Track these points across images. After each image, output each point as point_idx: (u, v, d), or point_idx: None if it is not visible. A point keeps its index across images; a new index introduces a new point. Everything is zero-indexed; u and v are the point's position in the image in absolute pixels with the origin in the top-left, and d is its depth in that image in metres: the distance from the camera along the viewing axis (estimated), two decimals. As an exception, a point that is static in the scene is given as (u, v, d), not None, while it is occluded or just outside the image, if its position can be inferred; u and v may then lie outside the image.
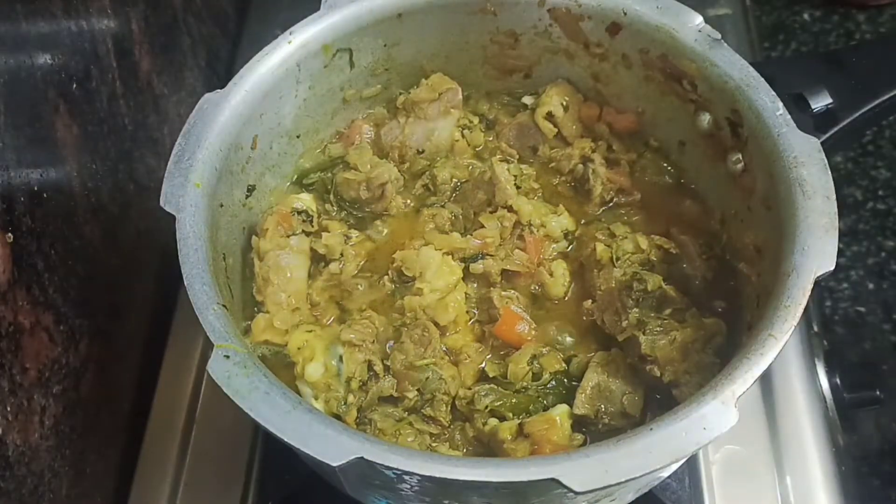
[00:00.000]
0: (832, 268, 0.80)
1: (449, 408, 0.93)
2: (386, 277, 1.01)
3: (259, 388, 0.76)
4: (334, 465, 0.71)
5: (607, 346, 0.96)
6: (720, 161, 1.01)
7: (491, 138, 1.16)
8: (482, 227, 1.02)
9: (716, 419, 0.73)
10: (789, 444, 1.11)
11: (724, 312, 0.96)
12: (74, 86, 1.04)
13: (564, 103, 1.13)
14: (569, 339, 0.98)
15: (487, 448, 0.91)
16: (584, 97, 1.15)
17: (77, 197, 1.04)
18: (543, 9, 1.08)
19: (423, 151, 1.12)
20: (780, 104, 0.92)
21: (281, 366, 0.94)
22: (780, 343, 0.77)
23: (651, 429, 0.73)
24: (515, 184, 1.05)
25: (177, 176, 0.90)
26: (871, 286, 1.54)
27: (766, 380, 1.15)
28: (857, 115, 0.99)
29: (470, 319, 0.99)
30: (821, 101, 0.98)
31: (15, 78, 0.90)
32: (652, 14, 1.01)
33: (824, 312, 1.51)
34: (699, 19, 1.00)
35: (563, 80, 1.15)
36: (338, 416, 0.91)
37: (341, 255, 1.02)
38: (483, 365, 0.96)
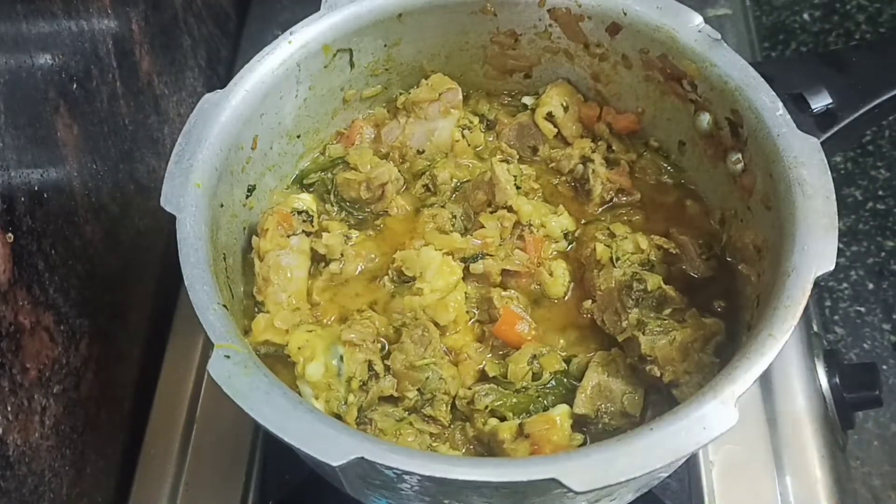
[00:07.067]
0: (832, 268, 0.80)
1: (449, 408, 0.93)
2: (386, 277, 1.01)
3: (259, 388, 0.76)
4: (335, 464, 0.71)
5: (607, 346, 0.96)
6: (720, 161, 1.01)
7: (491, 138, 1.16)
8: (482, 227, 1.02)
9: (716, 419, 0.73)
10: (789, 444, 1.11)
11: (724, 312, 0.96)
12: (74, 86, 1.04)
13: (564, 103, 1.13)
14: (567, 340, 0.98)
15: (487, 448, 0.91)
16: (584, 97, 1.15)
17: (77, 197, 1.04)
18: (543, 9, 1.08)
19: (423, 151, 1.12)
20: (780, 104, 0.92)
21: (281, 366, 0.94)
22: (780, 343, 0.77)
23: (651, 429, 0.73)
24: (515, 184, 1.05)
25: (177, 176, 0.90)
26: (871, 286, 1.54)
27: (766, 380, 1.15)
28: (857, 115, 0.99)
29: (470, 319, 0.99)
30: (821, 101, 0.98)
31: (15, 78, 0.90)
32: (652, 14, 1.01)
33: (824, 312, 1.51)
34: (699, 19, 1.00)
35: (563, 80, 1.15)
36: (338, 416, 0.91)
37: (341, 255, 1.02)
38: (483, 365, 0.96)
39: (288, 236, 1.01)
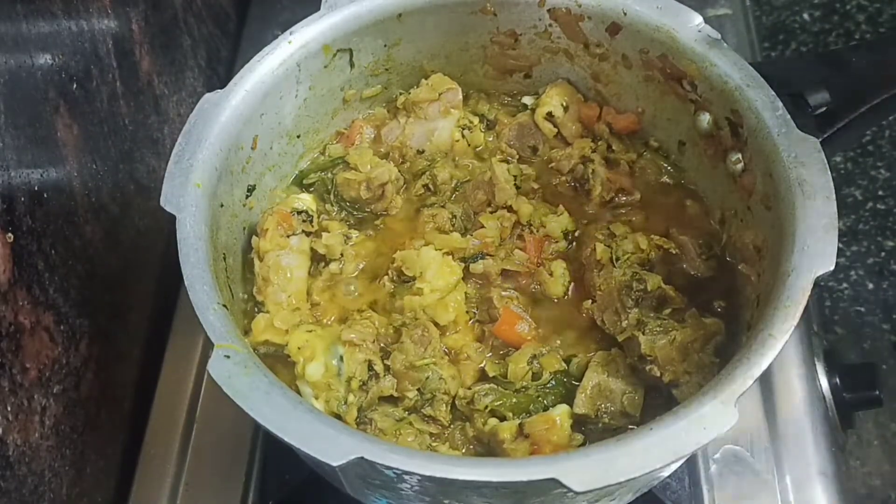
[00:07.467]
0: (832, 268, 0.80)
1: (449, 408, 0.93)
2: (386, 277, 1.01)
3: (259, 388, 0.76)
4: (335, 464, 0.71)
5: (607, 346, 0.96)
6: (720, 161, 1.01)
7: (491, 138, 1.16)
8: (482, 227, 1.02)
9: (716, 419, 0.73)
10: (789, 444, 1.11)
11: (724, 312, 0.96)
12: (74, 86, 1.04)
13: (564, 103, 1.13)
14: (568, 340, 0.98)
15: (487, 448, 0.91)
16: (584, 97, 1.15)
17: (77, 197, 1.04)
18: (543, 9, 1.08)
19: (423, 151, 1.13)
20: (780, 104, 0.92)
21: (281, 366, 0.94)
22: (780, 343, 0.77)
23: (651, 429, 0.73)
24: (515, 184, 1.05)
25: (177, 176, 0.90)
26: (870, 286, 1.54)
27: (766, 380, 1.15)
28: (857, 115, 0.99)
29: (470, 319, 0.99)
30: (821, 101, 0.98)
31: (15, 78, 0.90)
32: (652, 14, 1.01)
33: (824, 312, 1.51)
34: (699, 19, 1.00)
35: (563, 80, 1.15)
36: (338, 416, 0.91)
37: (341, 255, 1.02)
38: (483, 365, 0.96)
39: (288, 236, 1.01)
